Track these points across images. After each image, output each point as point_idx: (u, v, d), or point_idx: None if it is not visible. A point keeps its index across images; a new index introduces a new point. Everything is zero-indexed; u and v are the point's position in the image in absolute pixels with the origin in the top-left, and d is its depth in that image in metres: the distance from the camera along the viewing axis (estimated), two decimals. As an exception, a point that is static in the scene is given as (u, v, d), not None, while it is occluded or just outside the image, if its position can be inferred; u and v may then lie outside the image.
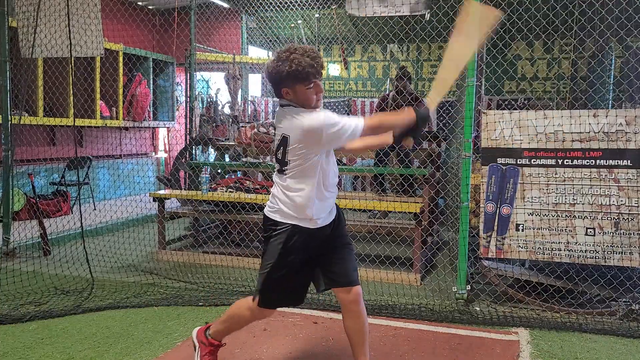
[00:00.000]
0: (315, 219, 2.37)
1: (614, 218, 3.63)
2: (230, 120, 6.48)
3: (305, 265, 2.45)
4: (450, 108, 8.17)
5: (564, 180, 3.71)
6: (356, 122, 2.27)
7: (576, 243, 3.69)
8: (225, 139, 6.44)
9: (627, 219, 3.60)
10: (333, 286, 2.47)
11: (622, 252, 3.62)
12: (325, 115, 2.25)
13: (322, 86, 2.32)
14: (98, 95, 7.30)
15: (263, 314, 2.55)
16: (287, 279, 2.43)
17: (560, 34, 7.35)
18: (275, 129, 2.50)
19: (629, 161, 3.60)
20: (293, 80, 2.25)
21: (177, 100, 9.01)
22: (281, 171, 2.38)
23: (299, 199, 2.33)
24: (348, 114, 9.04)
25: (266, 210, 2.46)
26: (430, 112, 2.41)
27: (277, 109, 2.44)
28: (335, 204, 2.53)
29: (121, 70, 7.68)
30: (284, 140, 2.32)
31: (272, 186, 2.50)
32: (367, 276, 4.40)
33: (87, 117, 7.19)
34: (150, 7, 8.99)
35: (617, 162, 3.62)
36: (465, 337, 3.31)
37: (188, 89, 6.37)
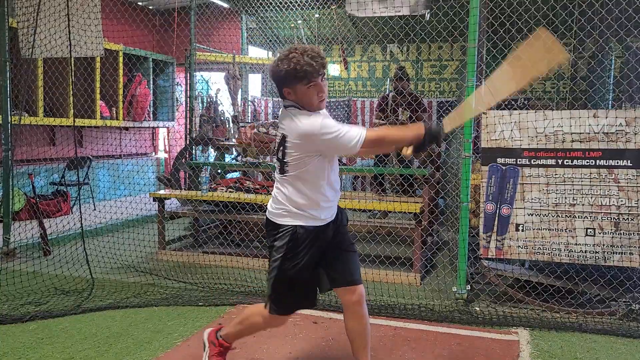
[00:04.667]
0: (316, 217, 2.36)
1: (614, 218, 3.63)
2: (230, 120, 6.49)
3: (310, 266, 2.41)
4: (450, 108, 8.17)
5: (564, 181, 3.71)
6: (357, 133, 2.21)
7: (576, 243, 3.69)
8: (226, 139, 6.44)
9: (627, 219, 3.60)
10: (336, 286, 2.45)
11: (622, 253, 3.62)
12: (322, 121, 2.22)
13: (323, 86, 2.28)
14: (98, 96, 7.29)
15: (276, 321, 2.51)
16: (294, 282, 2.39)
17: (560, 34, 7.34)
18: (277, 128, 2.51)
19: (628, 161, 3.60)
20: (292, 80, 2.23)
21: (177, 100, 9.01)
22: (282, 171, 2.37)
23: (300, 199, 2.33)
24: (348, 114, 9.06)
25: (268, 213, 2.45)
26: (443, 132, 2.25)
27: (281, 109, 2.43)
28: (339, 206, 2.52)
29: (121, 71, 7.68)
30: (283, 140, 2.32)
31: (272, 186, 2.49)
32: (367, 276, 4.40)
33: (87, 117, 7.18)
34: (150, 7, 8.99)
35: (617, 163, 3.62)
36: (465, 337, 3.31)
37: (188, 89, 6.37)
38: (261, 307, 2.53)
